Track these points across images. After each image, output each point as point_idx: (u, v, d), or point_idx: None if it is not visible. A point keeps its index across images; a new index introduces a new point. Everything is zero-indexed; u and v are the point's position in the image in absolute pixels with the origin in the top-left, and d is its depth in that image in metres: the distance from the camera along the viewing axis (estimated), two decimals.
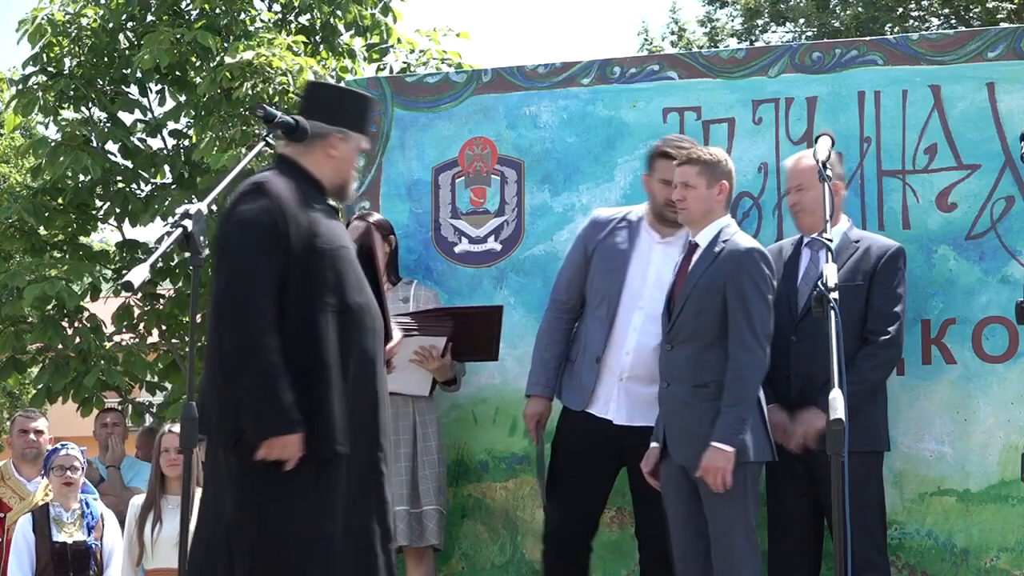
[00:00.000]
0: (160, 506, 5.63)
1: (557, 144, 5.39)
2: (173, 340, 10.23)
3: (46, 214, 9.86)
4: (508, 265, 5.39)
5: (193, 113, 9.81)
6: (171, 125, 10.22)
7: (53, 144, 9.61)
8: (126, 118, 10.19)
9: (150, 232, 15.36)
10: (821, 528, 4.70)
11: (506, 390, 5.25)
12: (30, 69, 9.89)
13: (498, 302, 5.28)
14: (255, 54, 9.06)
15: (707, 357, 4.48)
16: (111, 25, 9.84)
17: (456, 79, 5.63)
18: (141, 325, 10.18)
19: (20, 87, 9.89)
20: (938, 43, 5.05)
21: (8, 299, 9.62)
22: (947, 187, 4.95)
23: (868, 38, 5.38)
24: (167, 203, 9.61)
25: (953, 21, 17.04)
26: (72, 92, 9.72)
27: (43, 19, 9.74)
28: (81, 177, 9.74)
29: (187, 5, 10.19)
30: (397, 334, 4.27)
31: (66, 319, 9.79)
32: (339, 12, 10.26)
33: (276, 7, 10.42)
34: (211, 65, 9.42)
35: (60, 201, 9.93)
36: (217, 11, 9.81)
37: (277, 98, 9.05)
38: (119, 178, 9.99)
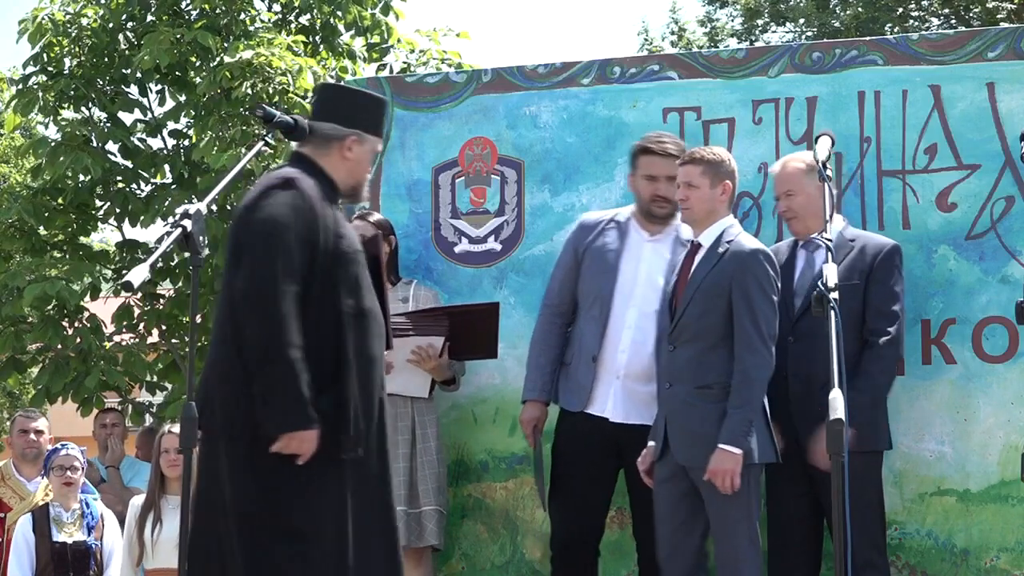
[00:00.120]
0: (160, 506, 5.63)
1: (557, 144, 5.39)
2: (173, 340, 10.23)
3: (46, 214, 9.86)
4: (508, 265, 5.39)
5: (193, 113, 9.81)
6: (171, 125, 10.22)
7: (53, 144, 9.61)
8: (126, 118, 10.20)
9: (150, 232, 15.33)
10: (821, 528, 4.70)
11: (506, 390, 5.25)
12: (30, 69, 9.89)
13: (498, 302, 5.28)
14: (255, 54, 9.07)
15: (710, 358, 4.47)
16: (111, 25, 9.84)
17: (456, 79, 5.63)
18: (141, 325, 10.18)
19: (20, 87, 9.88)
20: (938, 43, 5.05)
21: (8, 299, 9.61)
22: (947, 187, 4.95)
23: (868, 38, 5.38)
24: (167, 203, 9.61)
25: (953, 21, 17.04)
26: (72, 92, 9.72)
27: (43, 19, 9.73)
28: (81, 177, 9.74)
29: (187, 5, 10.19)
30: (394, 344, 4.32)
31: (66, 319, 9.78)
32: (339, 12, 10.26)
33: (276, 7, 10.43)
34: (211, 65, 9.42)
35: (60, 201, 9.92)
36: (217, 11, 9.81)
37: (277, 98, 9.05)
38: (119, 178, 9.99)
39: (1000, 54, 4.93)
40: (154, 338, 10.39)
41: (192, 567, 3.77)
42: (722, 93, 5.23)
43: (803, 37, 17.62)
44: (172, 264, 9.80)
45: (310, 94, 9.26)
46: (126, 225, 10.17)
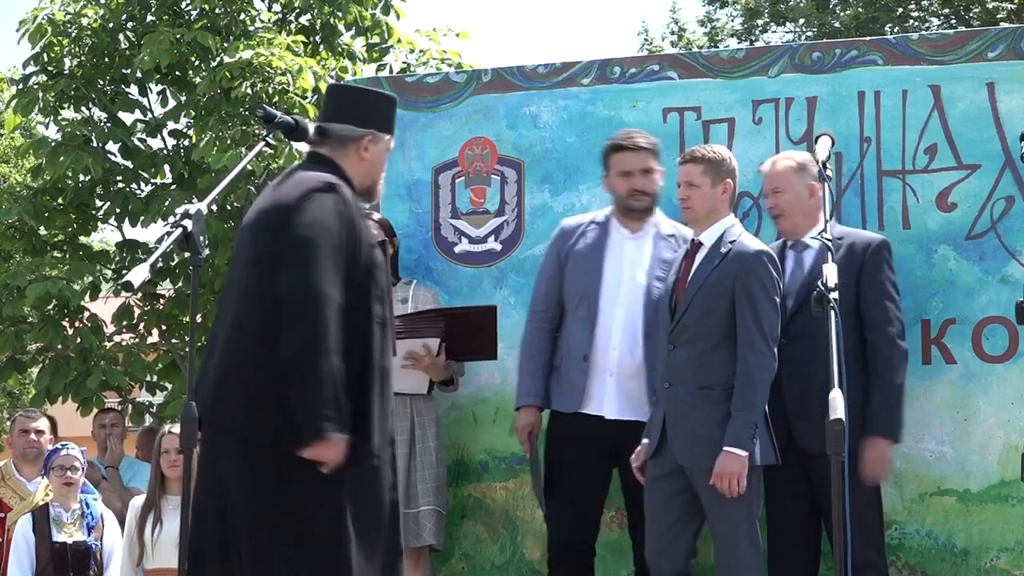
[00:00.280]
0: (160, 507, 5.63)
1: (557, 144, 5.39)
2: (173, 340, 10.23)
3: (46, 214, 9.86)
4: (508, 265, 5.39)
5: (193, 113, 9.81)
6: (171, 125, 10.22)
7: (53, 144, 9.61)
8: (126, 118, 10.20)
9: (150, 232, 15.35)
10: (819, 528, 4.70)
11: (506, 390, 5.24)
12: (30, 69, 9.89)
13: (498, 302, 5.28)
14: (255, 54, 9.07)
15: (712, 359, 4.47)
16: (111, 25, 9.84)
17: (456, 79, 5.64)
18: (141, 325, 10.18)
19: (20, 87, 9.88)
20: (938, 43, 5.05)
21: (8, 299, 9.61)
22: (947, 187, 4.95)
23: (868, 38, 5.38)
24: (167, 203, 9.61)
25: (953, 21, 17.04)
26: (72, 92, 9.72)
27: (43, 19, 9.73)
28: (81, 177, 9.74)
29: (187, 5, 10.19)
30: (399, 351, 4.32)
31: (66, 319, 9.79)
32: (339, 12, 10.26)
33: (276, 7, 10.43)
34: (211, 65, 9.42)
35: (60, 201, 9.92)
36: (217, 11, 9.81)
37: (277, 98, 9.05)
38: (119, 178, 9.99)
39: (1000, 54, 4.94)
40: (154, 338, 10.39)
41: (191, 566, 3.75)
42: (722, 93, 5.23)
43: (803, 37, 17.62)
44: (172, 264, 9.80)
45: (310, 94, 9.27)
46: (126, 225, 10.17)
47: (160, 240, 3.72)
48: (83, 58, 9.85)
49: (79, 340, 9.68)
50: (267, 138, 4.14)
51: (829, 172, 4.40)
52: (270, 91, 9.09)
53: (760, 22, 18.93)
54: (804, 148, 5.05)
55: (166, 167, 10.10)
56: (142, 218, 9.86)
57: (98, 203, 10.16)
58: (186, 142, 10.17)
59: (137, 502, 5.78)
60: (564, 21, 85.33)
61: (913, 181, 4.99)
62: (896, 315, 4.65)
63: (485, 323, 5.06)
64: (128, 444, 8.24)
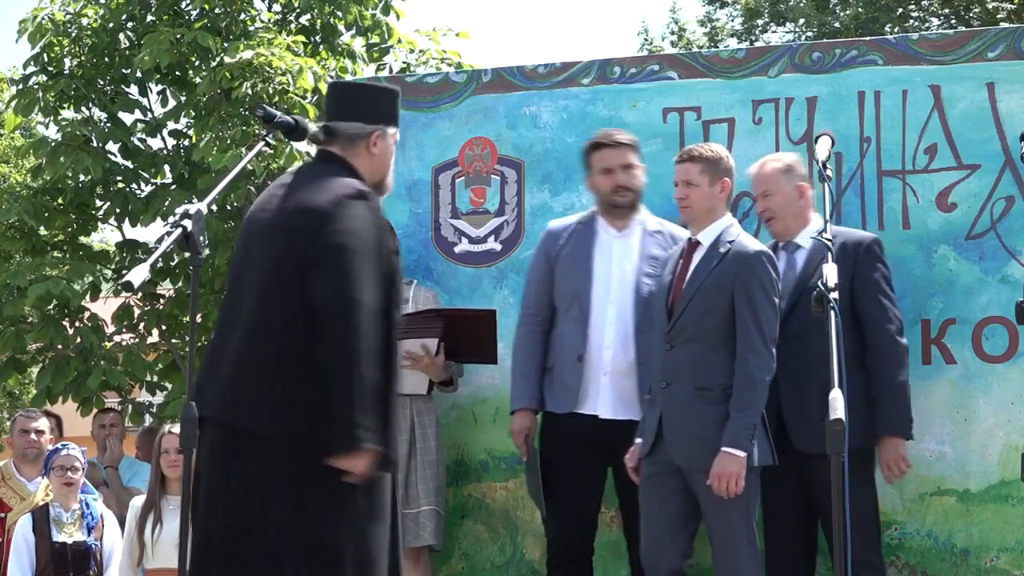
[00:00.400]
0: (160, 507, 5.62)
1: (557, 144, 5.39)
2: (173, 340, 10.22)
3: (46, 214, 9.85)
4: (508, 265, 5.39)
5: (193, 113, 9.80)
6: (171, 125, 10.22)
7: (53, 144, 9.60)
8: (126, 118, 10.18)
9: (150, 232, 15.34)
10: (816, 528, 4.70)
11: (506, 390, 5.22)
12: (30, 69, 9.88)
13: (498, 302, 5.29)
14: (255, 54, 9.06)
15: (711, 359, 4.47)
16: (111, 25, 9.83)
17: (456, 79, 5.64)
18: (141, 325, 10.18)
19: (20, 87, 9.87)
20: (938, 43, 5.05)
21: (9, 299, 9.61)
22: (947, 187, 4.95)
23: (868, 38, 5.38)
24: (167, 203, 9.60)
25: (953, 21, 17.05)
26: (72, 92, 9.70)
27: (43, 19, 9.72)
28: (81, 177, 9.73)
29: (187, 5, 10.18)
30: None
31: (67, 319, 9.78)
32: (339, 12, 10.26)
33: (276, 7, 10.42)
34: (211, 65, 9.42)
35: (60, 201, 9.92)
36: (217, 11, 9.81)
37: (277, 98, 9.04)
38: (119, 178, 9.98)
39: (1000, 54, 4.94)
40: (154, 338, 10.38)
41: (196, 564, 3.74)
42: (722, 93, 5.24)
43: (803, 37, 17.62)
44: (172, 264, 9.80)
45: (310, 94, 9.26)
46: (126, 225, 10.17)
47: (160, 240, 3.71)
48: (83, 58, 9.84)
49: (79, 340, 9.68)
50: (267, 138, 4.14)
51: (829, 172, 4.40)
52: (270, 91, 9.08)
53: (760, 22, 18.93)
54: (804, 148, 5.05)
55: (166, 167, 10.10)
56: (142, 218, 9.86)
57: (98, 203, 10.15)
58: (186, 142, 10.17)
59: (137, 502, 5.78)
60: (564, 21, 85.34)
61: (913, 181, 4.99)
62: (893, 312, 4.66)
63: (484, 327, 5.06)
64: (128, 444, 8.24)
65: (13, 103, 10.03)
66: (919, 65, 5.02)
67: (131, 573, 5.68)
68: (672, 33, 20.99)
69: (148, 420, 10.41)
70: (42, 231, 10.08)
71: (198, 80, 9.57)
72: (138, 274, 3.57)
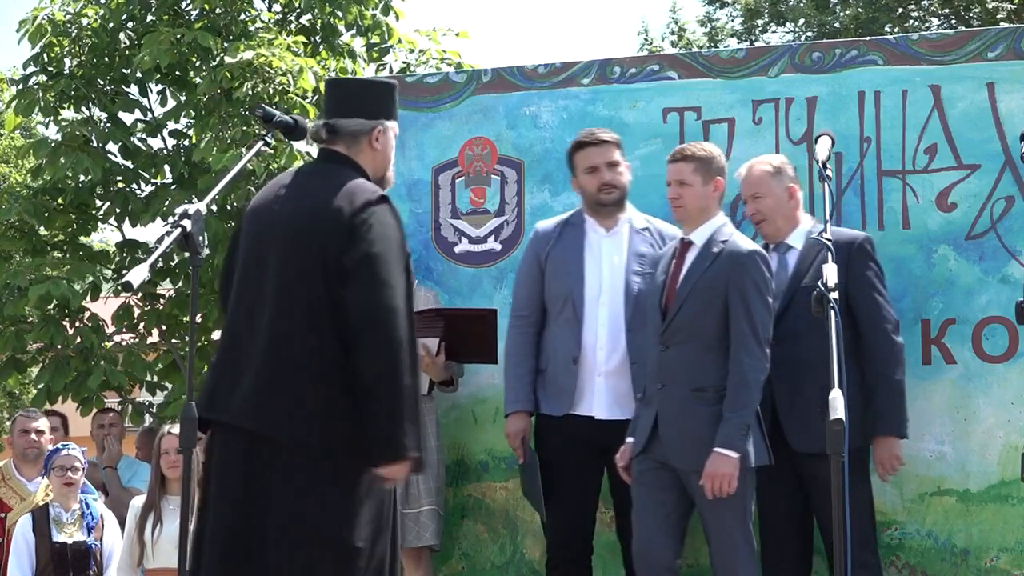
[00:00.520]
0: (160, 507, 5.62)
1: (557, 144, 5.39)
2: (173, 340, 10.22)
3: (46, 214, 9.85)
4: (508, 265, 5.39)
5: (193, 113, 9.80)
6: (171, 125, 10.22)
7: (53, 145, 9.60)
8: (126, 118, 10.19)
9: (150, 232, 15.36)
10: (811, 527, 4.70)
11: None
12: (30, 69, 9.88)
13: (498, 302, 5.28)
14: (255, 54, 9.06)
15: (706, 360, 4.46)
16: (111, 25, 9.83)
17: (456, 79, 5.64)
18: (141, 325, 10.18)
19: (20, 87, 9.87)
20: (938, 43, 5.05)
21: (9, 299, 9.61)
22: (947, 187, 4.95)
23: (868, 38, 5.38)
24: (167, 203, 9.59)
25: (953, 21, 17.05)
26: (72, 92, 9.71)
27: (43, 19, 9.72)
28: (81, 177, 9.73)
29: (187, 5, 10.18)
30: None
31: (67, 319, 9.78)
32: (339, 12, 10.26)
33: (276, 7, 10.42)
34: (211, 65, 9.42)
35: (60, 201, 9.92)
36: (217, 11, 9.81)
37: (277, 98, 9.04)
38: (119, 178, 9.98)
39: (1000, 54, 4.94)
40: (154, 338, 10.38)
41: (213, 568, 3.73)
42: (722, 93, 5.23)
43: (803, 37, 17.62)
44: (172, 264, 9.80)
45: (310, 95, 9.26)
46: (126, 225, 10.17)
47: (160, 240, 3.70)
48: (83, 58, 9.84)
49: (79, 340, 9.68)
50: (266, 138, 4.14)
51: (829, 172, 4.40)
52: (271, 92, 9.09)
53: (760, 22, 18.94)
54: (804, 148, 5.06)
55: (166, 167, 10.10)
56: (142, 218, 9.86)
57: (98, 203, 10.15)
58: (186, 142, 10.17)
59: (137, 502, 5.79)
60: (564, 21, 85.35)
61: (913, 181, 4.99)
62: (888, 310, 4.66)
63: (484, 326, 5.05)
64: (128, 444, 8.23)
65: (13, 103, 10.03)
66: (919, 65, 5.02)
67: (131, 573, 5.68)
68: (672, 33, 21.01)
69: (148, 420, 10.41)
70: (42, 231, 10.08)
71: (198, 80, 9.57)
72: (138, 274, 3.57)
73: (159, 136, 10.31)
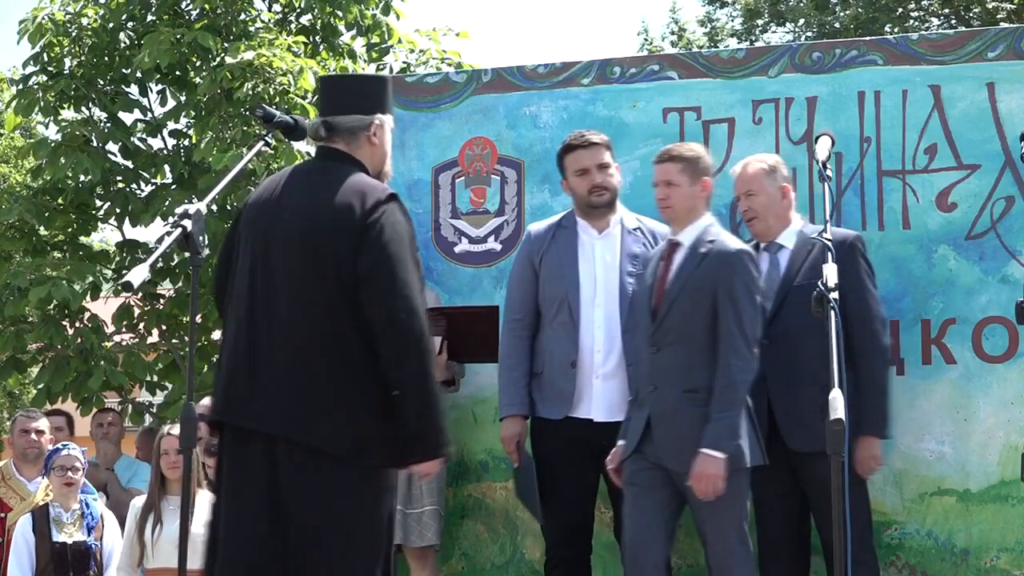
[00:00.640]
0: (160, 508, 5.62)
1: (557, 144, 5.36)
2: (173, 340, 10.23)
3: (46, 214, 9.86)
4: (508, 265, 5.37)
5: (193, 113, 9.81)
6: (171, 125, 10.22)
7: (53, 145, 9.61)
8: (126, 118, 10.20)
9: (150, 232, 15.34)
10: (808, 527, 4.70)
11: None
12: (30, 69, 9.89)
13: (498, 302, 5.27)
14: (256, 55, 9.06)
15: (697, 361, 4.43)
16: (111, 25, 9.83)
17: (456, 79, 5.64)
18: (141, 325, 10.18)
19: (20, 87, 9.88)
20: (938, 43, 5.05)
21: (9, 299, 9.61)
22: (947, 187, 4.95)
23: (868, 38, 5.38)
24: (167, 203, 9.60)
25: (953, 21, 17.05)
26: (72, 92, 9.71)
27: (43, 19, 9.73)
28: (81, 177, 9.74)
29: (187, 5, 10.19)
30: None
31: (67, 319, 9.79)
32: (339, 12, 10.26)
33: (276, 7, 10.43)
34: (211, 65, 9.42)
35: (60, 201, 9.92)
36: (217, 11, 9.81)
37: (277, 99, 9.05)
38: (119, 178, 9.99)
39: (1000, 54, 4.94)
40: (154, 338, 10.39)
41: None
42: (722, 93, 5.23)
43: (803, 37, 17.63)
44: (172, 264, 9.80)
45: (311, 95, 9.26)
46: (126, 225, 10.18)
47: (160, 240, 3.70)
48: (83, 58, 9.84)
49: (79, 340, 9.68)
50: (267, 138, 4.13)
51: (829, 172, 4.40)
52: (271, 92, 9.09)
53: (760, 22, 18.94)
54: (804, 148, 5.06)
55: (166, 167, 10.10)
56: (142, 218, 9.86)
57: (98, 203, 10.16)
58: (186, 142, 10.17)
59: (137, 502, 5.78)
60: (564, 21, 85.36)
61: (913, 181, 4.99)
62: (876, 309, 4.66)
63: (487, 323, 5.05)
64: (128, 444, 8.23)
65: (13, 103, 10.04)
66: (919, 65, 5.02)
67: (131, 573, 5.68)
68: (672, 33, 21.01)
69: (148, 420, 10.41)
70: (42, 231, 10.08)
71: (198, 80, 9.57)
72: (138, 274, 3.57)
73: (159, 136, 10.31)
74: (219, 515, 3.83)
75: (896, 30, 15.68)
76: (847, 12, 17.13)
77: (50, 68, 9.85)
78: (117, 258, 10.43)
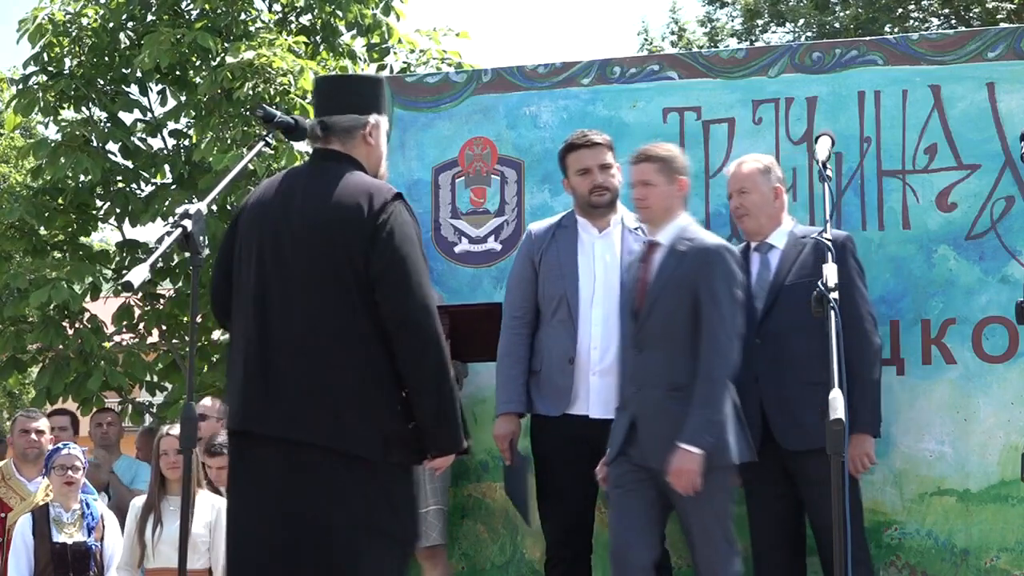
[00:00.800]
0: (160, 508, 5.62)
1: (557, 144, 5.37)
2: (173, 340, 10.23)
3: (46, 214, 9.86)
4: (508, 265, 5.37)
5: (193, 113, 9.81)
6: (171, 125, 10.22)
7: (53, 145, 9.61)
8: (126, 118, 10.20)
9: (150, 232, 15.36)
10: (804, 527, 4.70)
11: None
12: (30, 69, 9.89)
13: (498, 302, 5.27)
14: (256, 55, 9.07)
15: (680, 359, 4.41)
16: (111, 25, 9.84)
17: (456, 79, 5.64)
18: (141, 325, 10.18)
19: (20, 87, 9.88)
20: (938, 43, 5.05)
21: (9, 299, 9.61)
22: (947, 187, 4.95)
23: (868, 38, 5.38)
24: (167, 203, 9.61)
25: (953, 21, 17.05)
26: (72, 92, 9.72)
27: (43, 19, 9.73)
28: (81, 177, 9.74)
29: (187, 5, 10.19)
30: None
31: (67, 319, 9.79)
32: (339, 12, 10.26)
33: (276, 7, 10.43)
34: (212, 65, 9.42)
35: (60, 201, 9.93)
36: (217, 11, 9.81)
37: (278, 99, 9.05)
38: (119, 178, 9.99)
39: (1000, 54, 4.94)
40: (154, 338, 10.39)
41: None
42: (722, 93, 5.23)
43: (803, 37, 17.63)
44: (172, 264, 9.80)
45: (311, 95, 9.26)
46: (126, 225, 10.18)
47: (160, 240, 3.69)
48: (83, 58, 9.84)
49: (79, 341, 9.68)
50: (267, 138, 4.13)
51: (829, 172, 4.41)
52: (271, 92, 9.09)
53: (760, 22, 18.95)
54: (804, 148, 5.06)
55: (166, 167, 10.10)
56: (142, 218, 9.86)
57: (98, 203, 10.16)
58: (186, 142, 10.18)
59: (137, 502, 5.78)
60: (564, 21, 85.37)
61: (913, 181, 4.99)
62: (867, 309, 4.66)
63: (491, 321, 5.04)
64: (128, 444, 8.23)
65: (13, 103, 10.04)
66: (919, 65, 5.02)
67: (131, 573, 5.68)
68: (672, 33, 21.02)
69: (148, 420, 10.42)
70: (42, 231, 10.08)
71: (198, 80, 9.57)
72: (138, 274, 3.56)
73: (159, 136, 10.31)
74: (234, 523, 3.82)
75: (896, 30, 15.68)
76: (847, 12, 17.13)
77: (50, 68, 9.85)
78: (117, 258, 10.43)
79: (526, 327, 4.97)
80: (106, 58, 9.93)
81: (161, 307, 10.13)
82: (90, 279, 9.92)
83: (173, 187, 9.90)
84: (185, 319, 10.03)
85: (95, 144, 9.76)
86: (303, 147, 8.47)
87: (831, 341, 3.79)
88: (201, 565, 5.48)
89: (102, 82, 9.98)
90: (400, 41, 10.65)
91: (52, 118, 9.84)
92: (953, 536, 4.82)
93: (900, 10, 17.14)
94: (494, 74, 5.57)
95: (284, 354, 3.73)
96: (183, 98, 9.95)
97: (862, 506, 4.69)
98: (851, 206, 5.01)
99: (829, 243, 4.10)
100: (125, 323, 10.18)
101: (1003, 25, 12.41)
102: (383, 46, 10.63)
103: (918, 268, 4.94)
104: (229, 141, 9.10)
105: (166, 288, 10.67)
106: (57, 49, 9.81)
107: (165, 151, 10.28)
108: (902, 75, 5.03)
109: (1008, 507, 4.78)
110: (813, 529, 4.66)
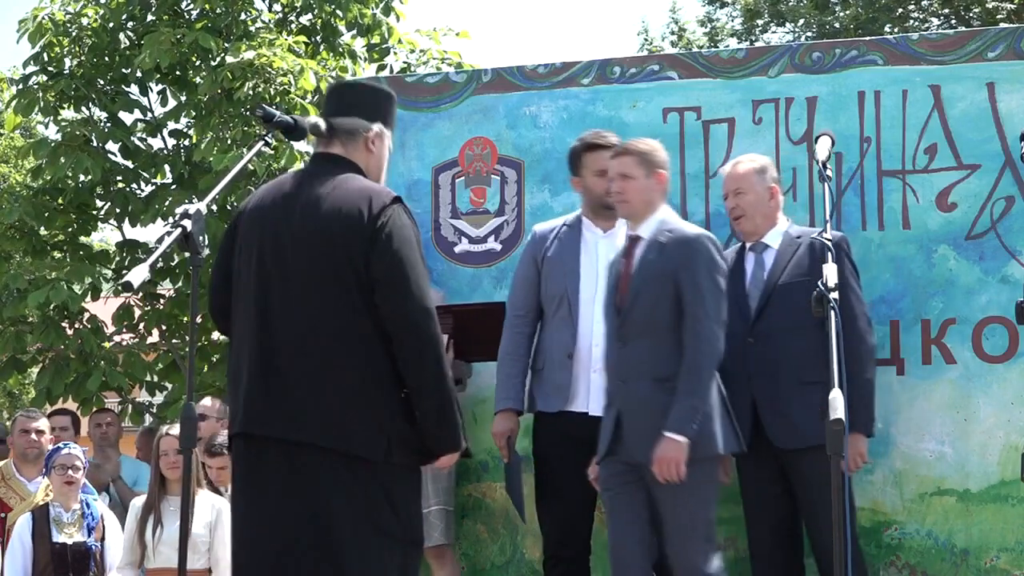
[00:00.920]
0: (160, 508, 5.61)
1: (557, 144, 5.39)
2: (173, 340, 10.23)
3: (46, 214, 9.86)
4: (508, 265, 5.38)
5: (193, 113, 9.81)
6: (171, 125, 10.22)
7: (53, 145, 9.61)
8: (126, 118, 10.20)
9: (150, 232, 15.35)
10: (800, 527, 4.69)
11: None
12: (30, 69, 9.89)
13: (500, 301, 5.27)
14: (256, 54, 9.06)
15: (665, 350, 4.39)
16: (111, 25, 9.84)
17: (456, 79, 5.64)
18: (141, 325, 10.18)
19: (20, 87, 9.88)
20: (938, 43, 5.05)
21: (9, 300, 9.61)
22: (947, 187, 4.95)
23: (868, 38, 5.38)
24: (167, 203, 9.61)
25: (953, 21, 17.05)
26: (72, 92, 9.71)
27: (44, 19, 9.73)
28: (81, 177, 9.74)
29: (187, 5, 10.19)
30: None
31: (67, 320, 9.78)
32: (339, 12, 10.26)
33: (276, 7, 10.43)
34: (212, 65, 9.42)
35: (60, 201, 9.92)
36: (217, 11, 9.81)
37: (278, 99, 9.05)
38: (119, 178, 9.99)
39: (1000, 54, 4.94)
40: (154, 338, 10.38)
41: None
42: (722, 93, 5.23)
43: (803, 37, 17.63)
44: (172, 264, 9.80)
45: (311, 95, 9.26)
46: (126, 225, 10.18)
47: (160, 240, 3.68)
48: (83, 58, 9.84)
49: (79, 342, 9.68)
50: (267, 138, 4.13)
51: (829, 172, 4.40)
52: (271, 92, 9.09)
53: (760, 22, 18.95)
54: (804, 148, 5.06)
55: (166, 167, 10.10)
56: (142, 218, 9.86)
57: (98, 203, 10.16)
58: (186, 142, 10.17)
59: (137, 502, 5.78)
60: (564, 21, 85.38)
61: (913, 181, 4.99)
62: (861, 309, 4.66)
63: (494, 320, 5.04)
64: (128, 444, 8.22)
65: (13, 103, 10.04)
66: (919, 65, 5.02)
67: (131, 573, 5.68)
68: (672, 33, 21.02)
69: (148, 420, 10.41)
70: (42, 231, 10.08)
71: (198, 80, 9.57)
72: (138, 274, 3.56)
73: (159, 136, 10.31)
74: (238, 526, 3.82)
75: (896, 30, 15.68)
76: (847, 12, 17.14)
77: (50, 68, 9.85)
78: (117, 258, 10.43)
79: (528, 326, 4.98)
80: (106, 58, 9.93)
81: (161, 307, 10.12)
82: (90, 279, 9.92)
83: (173, 187, 9.90)
84: (185, 319, 10.03)
85: (95, 144, 9.76)
86: (303, 147, 8.48)
87: (831, 341, 3.78)
88: (201, 565, 5.48)
89: (102, 82, 9.98)
90: (400, 41, 10.65)
91: (52, 118, 9.84)
92: (953, 536, 4.82)
93: (900, 10, 17.14)
94: (494, 74, 5.57)
95: (285, 355, 3.73)
96: (183, 98, 9.95)
97: (854, 503, 4.69)
98: (851, 206, 5.01)
99: (830, 243, 4.10)
100: (125, 323, 10.17)
101: (1003, 25, 12.42)
102: (383, 46, 10.63)
103: (918, 268, 4.94)
104: (229, 141, 9.10)
105: (166, 288, 10.67)
106: (57, 49, 9.81)
107: (165, 151, 10.28)
108: (902, 75, 5.03)
109: (1008, 507, 4.78)
110: (807, 527, 4.66)
